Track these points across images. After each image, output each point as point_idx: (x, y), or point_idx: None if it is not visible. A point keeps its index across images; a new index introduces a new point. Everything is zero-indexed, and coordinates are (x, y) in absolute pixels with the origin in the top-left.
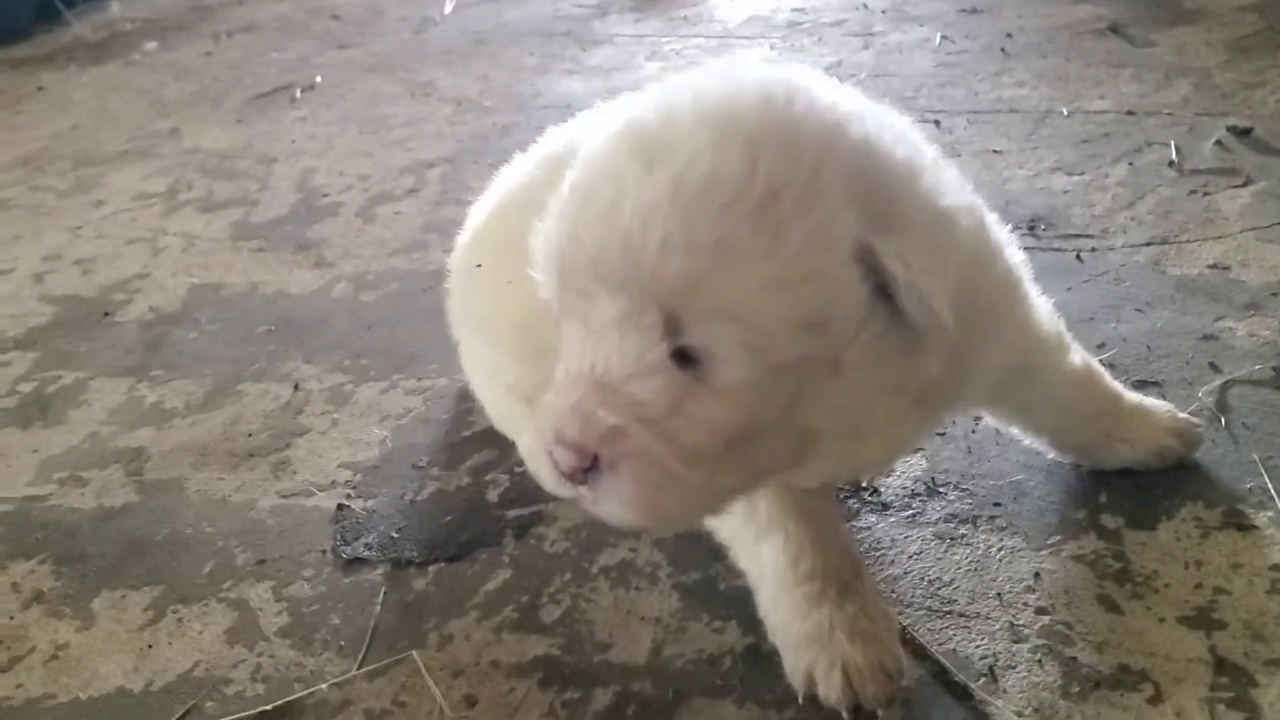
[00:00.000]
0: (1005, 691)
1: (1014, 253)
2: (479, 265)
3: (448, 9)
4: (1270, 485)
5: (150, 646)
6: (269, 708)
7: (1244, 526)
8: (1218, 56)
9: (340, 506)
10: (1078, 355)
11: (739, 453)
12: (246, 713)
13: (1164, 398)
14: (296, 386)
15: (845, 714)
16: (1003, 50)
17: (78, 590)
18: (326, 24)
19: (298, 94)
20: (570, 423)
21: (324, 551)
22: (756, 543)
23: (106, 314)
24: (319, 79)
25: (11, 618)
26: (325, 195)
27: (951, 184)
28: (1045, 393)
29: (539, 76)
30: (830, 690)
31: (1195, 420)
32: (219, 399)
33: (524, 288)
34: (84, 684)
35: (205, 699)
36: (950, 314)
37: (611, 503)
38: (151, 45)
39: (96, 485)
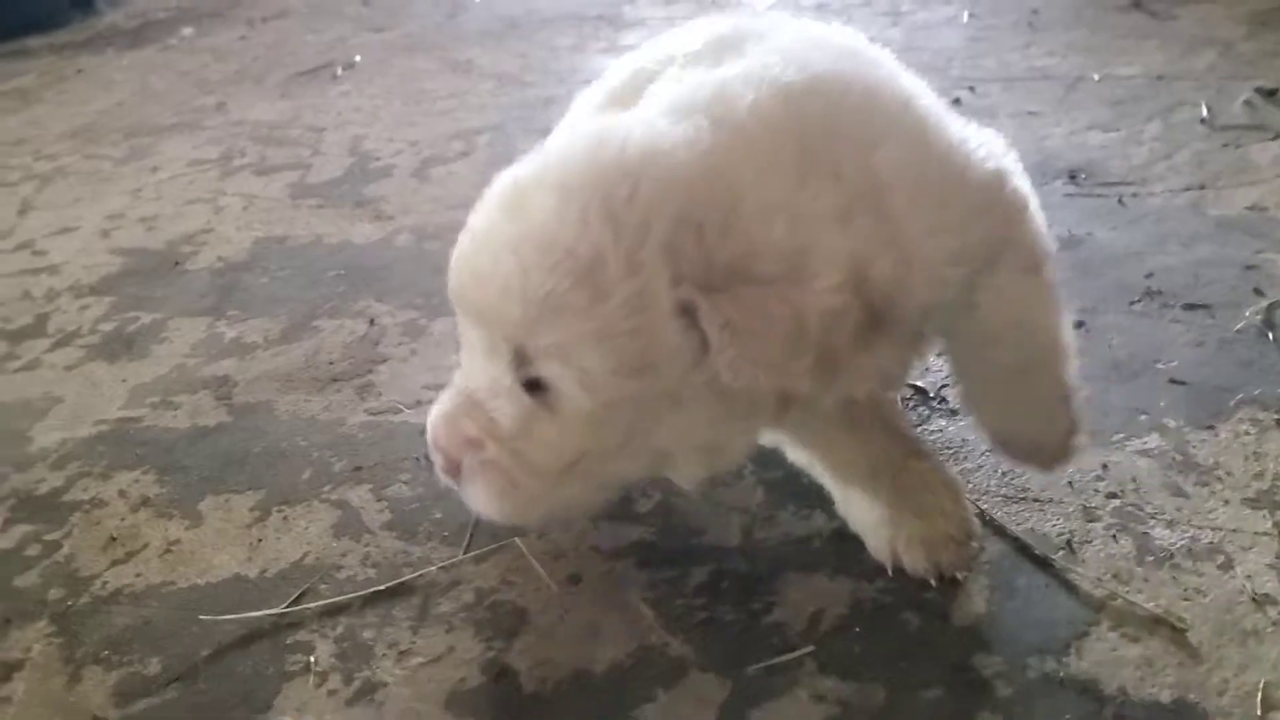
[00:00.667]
0: (1084, 562)
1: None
2: None
3: None
4: None
5: (260, 540)
6: (382, 588)
7: None
8: (1239, 28)
9: None
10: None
11: (583, 468)
12: (360, 592)
13: (1212, 318)
14: (372, 321)
15: (932, 582)
16: (1029, 24)
17: (182, 495)
18: (358, 9)
19: (339, 71)
20: (440, 431)
21: (417, 459)
22: (808, 455)
23: (176, 264)
24: (358, 58)
25: (122, 519)
26: (378, 159)
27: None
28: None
29: (575, 54)
30: (915, 564)
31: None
32: (297, 334)
33: None
34: (200, 572)
35: (319, 582)
36: (771, 372)
37: (471, 501)
38: (188, 30)
39: (188, 408)
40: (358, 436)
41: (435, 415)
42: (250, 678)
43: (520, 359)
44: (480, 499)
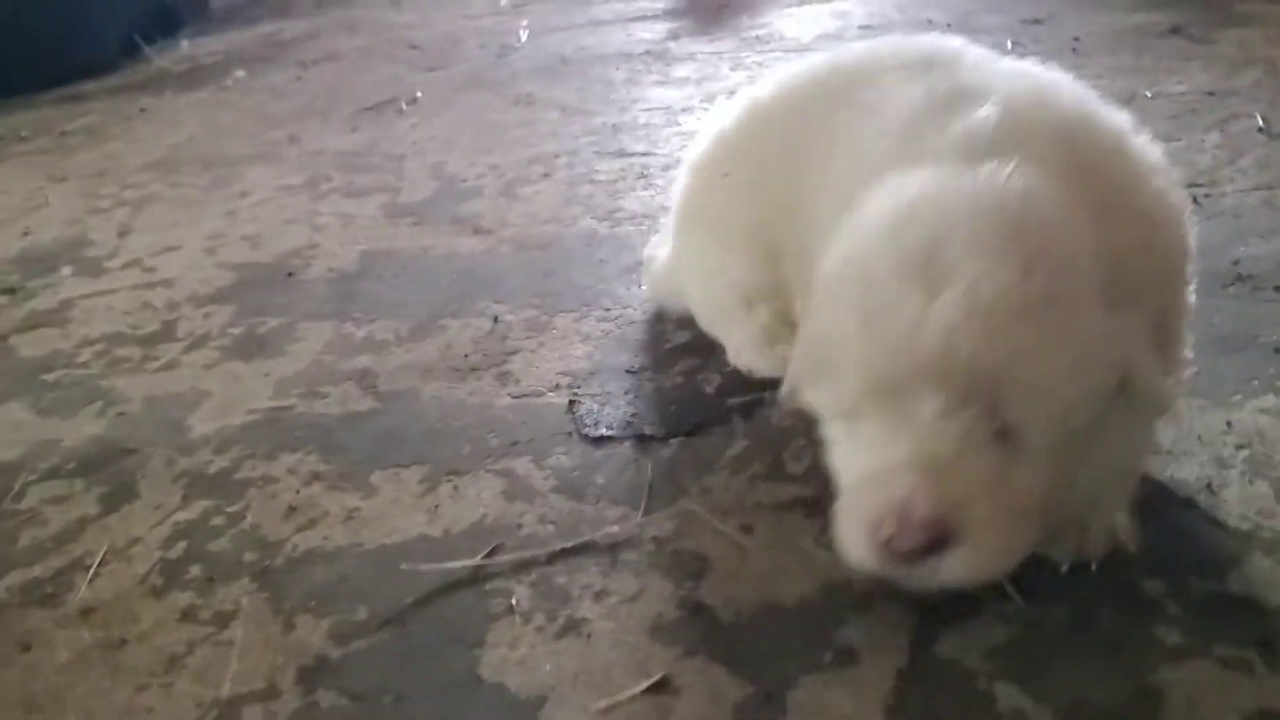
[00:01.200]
0: (1226, 502)
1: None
2: (726, 174)
3: (523, 37)
4: None
5: (436, 507)
6: (569, 545)
7: None
8: (1277, 49)
9: (572, 402)
10: None
11: (1044, 506)
12: (550, 549)
13: None
14: (496, 319)
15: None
16: (1073, 50)
17: (351, 470)
18: (407, 52)
19: (403, 106)
20: (921, 501)
21: (569, 434)
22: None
23: (290, 274)
24: (419, 94)
25: (297, 492)
26: (463, 181)
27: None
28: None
29: (631, 86)
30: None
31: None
32: (426, 331)
33: (760, 194)
34: (386, 534)
35: (505, 538)
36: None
37: (965, 569)
38: (240, 73)
39: (336, 397)
40: (507, 417)
41: (892, 495)
42: (457, 619)
43: (991, 409)
44: (983, 561)
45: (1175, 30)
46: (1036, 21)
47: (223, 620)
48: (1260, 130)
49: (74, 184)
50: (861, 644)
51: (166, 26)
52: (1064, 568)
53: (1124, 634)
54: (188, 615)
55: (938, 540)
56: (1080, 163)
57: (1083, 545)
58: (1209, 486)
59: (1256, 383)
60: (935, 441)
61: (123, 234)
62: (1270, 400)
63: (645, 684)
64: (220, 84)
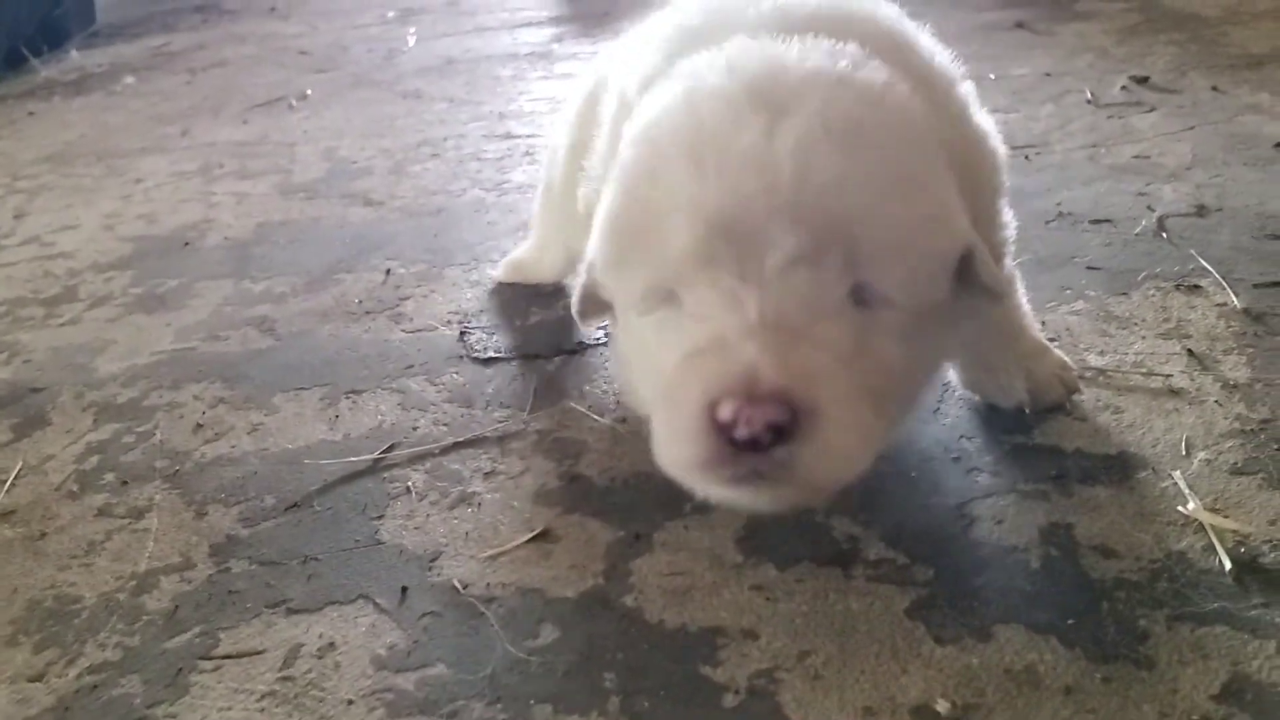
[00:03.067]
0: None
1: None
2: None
3: (410, 42)
4: (1206, 264)
5: (336, 418)
6: (460, 439)
7: (1193, 288)
8: (1110, 38)
9: (463, 332)
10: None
11: (906, 394)
12: (444, 444)
13: (1115, 228)
14: (388, 272)
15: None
16: None
17: (254, 394)
18: (296, 58)
19: (293, 102)
20: (767, 369)
21: (460, 358)
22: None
23: (186, 243)
24: (309, 91)
25: (204, 413)
26: (354, 163)
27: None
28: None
29: (517, 81)
30: (1051, 393)
31: (1075, 370)
32: (321, 284)
33: (579, 156)
34: (289, 440)
35: (401, 438)
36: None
37: (817, 463)
38: (129, 79)
39: (237, 339)
40: (401, 347)
41: (735, 364)
42: (358, 500)
43: (849, 263)
44: (839, 450)
45: (1020, 25)
46: None
47: (137, 514)
48: (1088, 102)
49: None
50: None
51: (53, 39)
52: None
53: (942, 479)
54: (104, 511)
55: (788, 421)
56: (904, 62)
57: (1042, 394)
58: None
59: (1069, 291)
60: (784, 299)
61: (18, 217)
62: (1080, 304)
63: (528, 535)
64: (109, 89)
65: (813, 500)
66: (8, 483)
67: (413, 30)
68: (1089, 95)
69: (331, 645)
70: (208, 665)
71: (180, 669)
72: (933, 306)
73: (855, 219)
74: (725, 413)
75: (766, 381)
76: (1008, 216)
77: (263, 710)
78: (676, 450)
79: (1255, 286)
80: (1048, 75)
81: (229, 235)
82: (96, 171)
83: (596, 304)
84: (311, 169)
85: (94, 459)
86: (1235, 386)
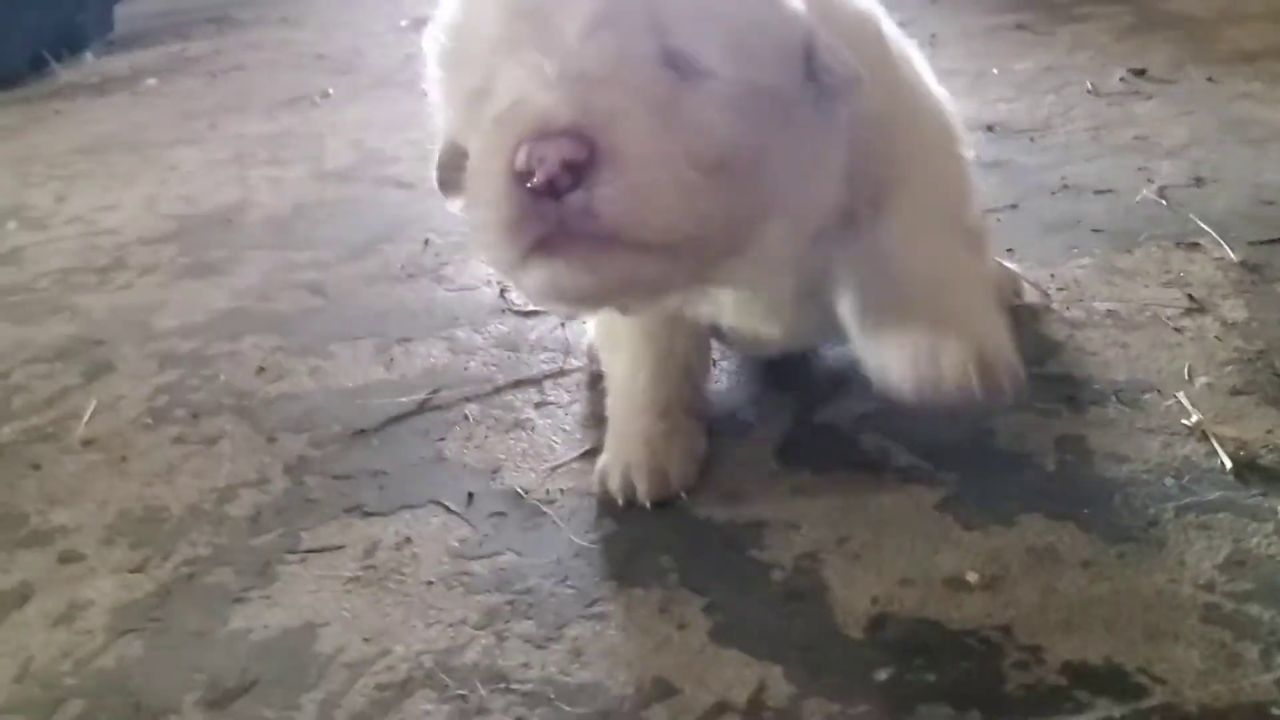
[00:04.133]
0: (1047, 321)
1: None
2: None
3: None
4: (1204, 226)
5: (391, 360)
6: (512, 381)
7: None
8: (1108, 37)
9: (503, 290)
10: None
11: (721, 186)
12: (495, 383)
13: (1117, 196)
14: (427, 241)
15: (620, 501)
16: (930, 42)
17: (310, 344)
18: (314, 61)
19: (316, 100)
20: (563, 106)
21: (503, 311)
22: (611, 352)
23: (229, 220)
24: (331, 90)
25: (264, 358)
26: (383, 152)
27: None
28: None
29: None
30: (613, 482)
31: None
32: (364, 254)
33: None
34: (349, 379)
35: (451, 378)
36: (865, 71)
37: (622, 200)
38: (152, 81)
39: (288, 299)
40: (447, 303)
41: (534, 105)
42: (420, 427)
43: (657, 24)
44: (639, 195)
45: (1020, 26)
46: (900, 23)
47: (211, 440)
48: (1089, 92)
49: (1, 167)
50: (753, 417)
51: (73, 44)
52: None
53: (963, 404)
54: (179, 440)
55: (585, 159)
56: None
57: (929, 371)
58: (1034, 312)
59: (1076, 250)
60: (585, 59)
61: (60, 200)
62: (1086, 260)
63: (580, 451)
64: (132, 90)
65: (640, 276)
66: (85, 417)
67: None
68: (1089, 86)
69: (408, 540)
70: (293, 558)
71: (268, 561)
72: (774, 90)
73: None
74: (520, 158)
75: (559, 118)
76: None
77: (350, 592)
78: (481, 220)
79: (1250, 244)
80: (1049, 69)
81: (269, 213)
82: (131, 160)
83: (454, 164)
84: (342, 157)
85: (163, 398)
86: (1233, 324)
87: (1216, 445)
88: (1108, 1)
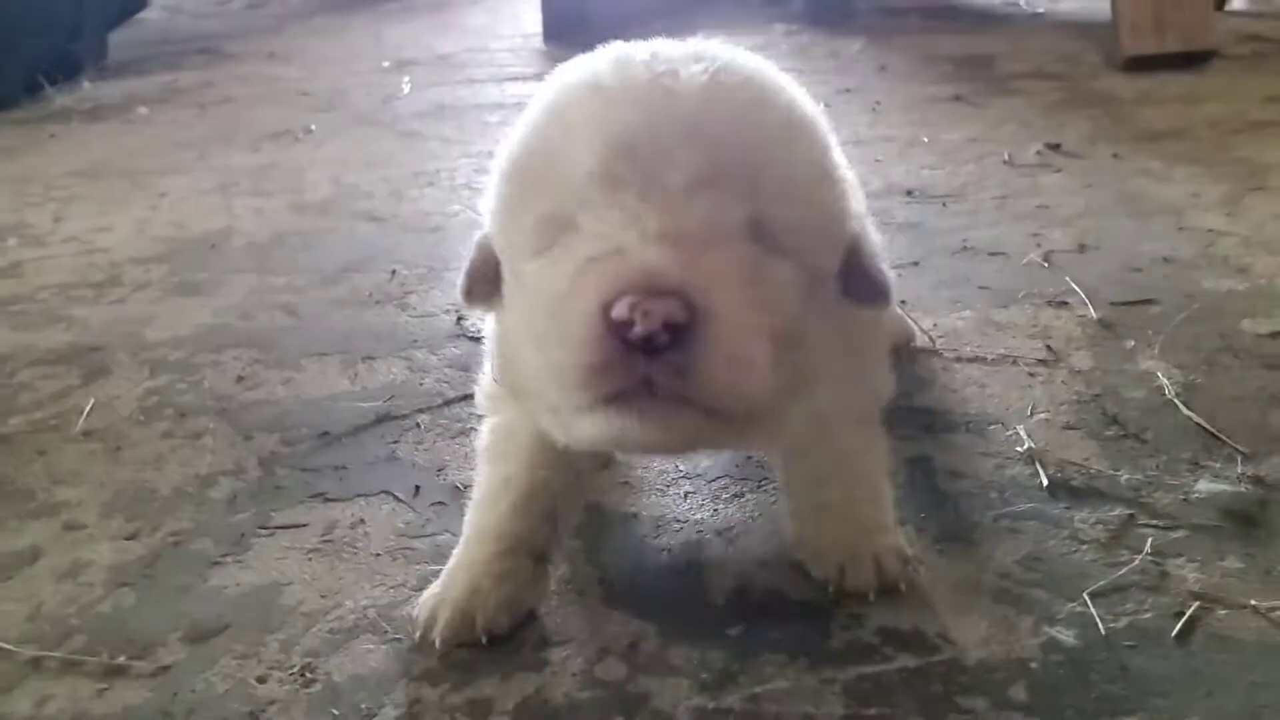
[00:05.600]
0: (936, 355)
1: None
2: None
3: (406, 89)
4: (1075, 287)
5: (355, 375)
6: (460, 395)
7: (1061, 304)
8: (1034, 111)
9: (459, 318)
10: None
11: (782, 360)
12: (446, 396)
13: (1008, 259)
14: (394, 272)
15: (438, 642)
16: (873, 110)
17: (284, 358)
18: (298, 98)
19: (299, 135)
20: (673, 266)
21: (458, 336)
22: (492, 463)
23: (213, 245)
24: (313, 127)
25: (243, 369)
26: (359, 187)
27: None
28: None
29: (505, 126)
30: (420, 614)
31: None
32: (336, 281)
33: None
34: (317, 390)
35: (408, 391)
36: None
37: (717, 368)
38: (143, 110)
39: (265, 318)
40: (408, 328)
41: (633, 262)
42: (378, 432)
43: (744, 192)
44: (733, 358)
45: (958, 98)
46: (848, 90)
47: (195, 436)
48: (1005, 162)
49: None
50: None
51: (67, 71)
52: (830, 589)
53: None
54: (168, 434)
55: (686, 320)
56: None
57: (850, 574)
58: (915, 354)
59: (960, 304)
60: (685, 217)
61: (57, 220)
62: (967, 313)
63: None
64: (124, 118)
65: (701, 438)
66: (85, 412)
67: (407, 79)
68: (1007, 156)
69: (361, 521)
70: (264, 533)
71: (243, 534)
72: (822, 283)
73: (755, 148)
74: (621, 309)
75: (666, 277)
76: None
77: (310, 560)
78: (560, 360)
79: (1112, 304)
80: (974, 140)
81: (251, 240)
82: (123, 185)
83: (484, 276)
84: (320, 190)
85: (154, 399)
86: (1079, 372)
87: (1039, 468)
88: (1042, 78)
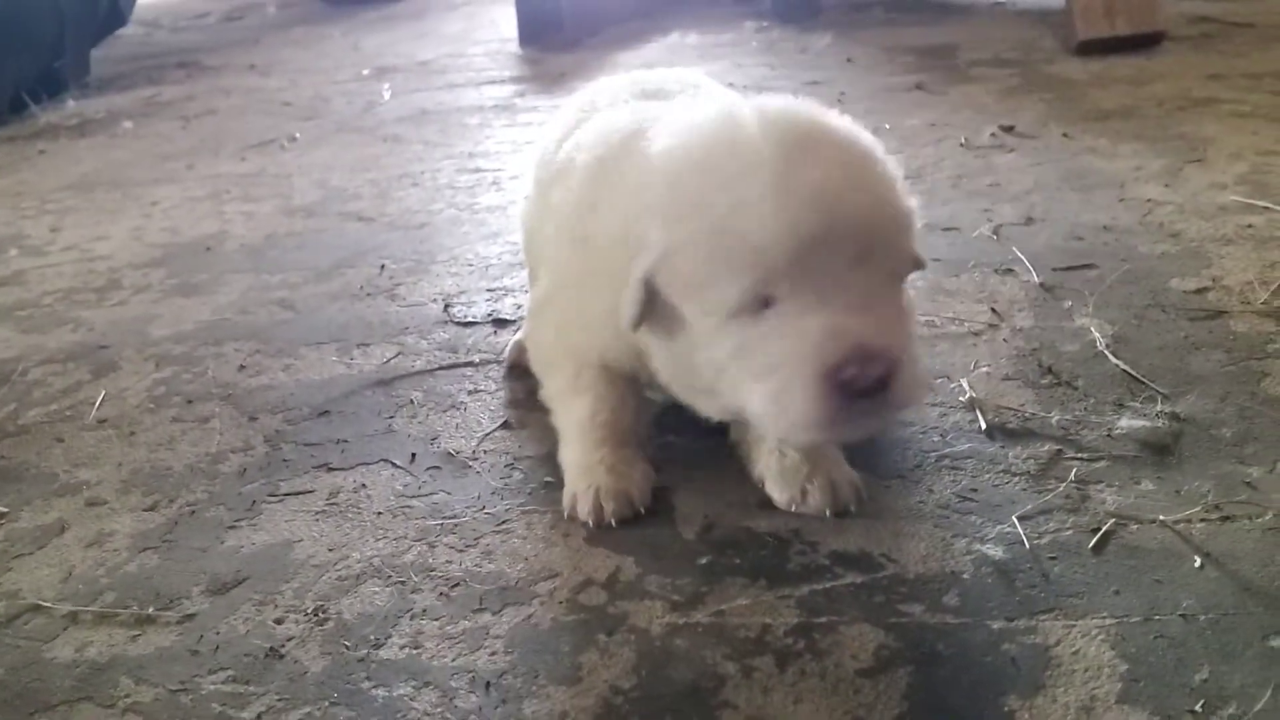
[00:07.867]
0: None
1: None
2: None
3: (386, 95)
4: (1021, 256)
5: (351, 359)
6: (449, 363)
7: (1007, 271)
8: (990, 97)
9: (446, 305)
10: None
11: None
12: (441, 364)
13: (960, 233)
14: (383, 267)
15: (613, 522)
16: (839, 100)
17: (282, 349)
18: (281, 108)
19: (284, 144)
20: (878, 337)
21: (446, 322)
22: (573, 397)
23: (208, 248)
24: (298, 135)
25: (244, 360)
26: (346, 190)
27: None
28: None
29: (484, 128)
30: (583, 506)
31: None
32: (327, 276)
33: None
34: (315, 374)
35: (401, 371)
36: None
37: (906, 395)
38: (128, 124)
39: (263, 313)
40: (399, 314)
41: (850, 332)
42: (374, 408)
43: (882, 257)
44: (913, 386)
45: (919, 86)
46: (815, 83)
47: (204, 419)
48: (961, 145)
49: None
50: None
51: (51, 89)
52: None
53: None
54: (177, 419)
55: (891, 370)
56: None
57: (809, 495)
58: None
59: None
60: (858, 288)
61: (54, 230)
62: (921, 283)
63: (499, 424)
64: (111, 132)
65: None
66: (97, 403)
67: (388, 86)
68: (963, 140)
69: (363, 485)
70: (273, 499)
71: (254, 501)
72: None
73: (878, 222)
74: (849, 374)
75: (875, 348)
76: None
77: (318, 520)
78: (798, 412)
79: (1053, 270)
80: (933, 125)
81: (244, 243)
82: (115, 196)
83: (648, 314)
84: (308, 194)
85: (162, 389)
86: (1020, 330)
87: (979, 414)
88: (1000, 64)
